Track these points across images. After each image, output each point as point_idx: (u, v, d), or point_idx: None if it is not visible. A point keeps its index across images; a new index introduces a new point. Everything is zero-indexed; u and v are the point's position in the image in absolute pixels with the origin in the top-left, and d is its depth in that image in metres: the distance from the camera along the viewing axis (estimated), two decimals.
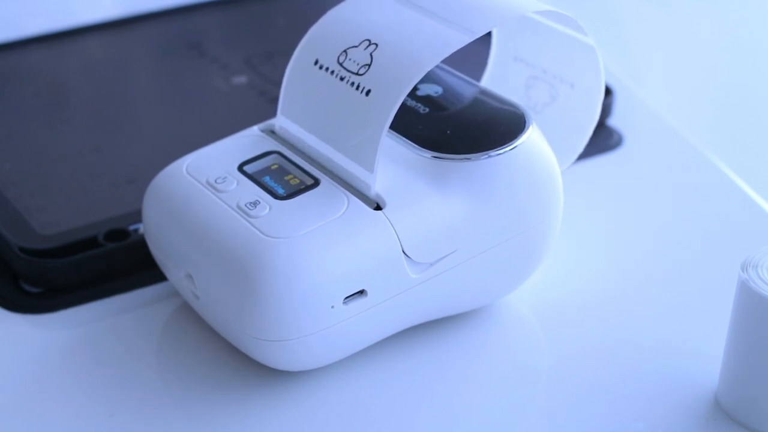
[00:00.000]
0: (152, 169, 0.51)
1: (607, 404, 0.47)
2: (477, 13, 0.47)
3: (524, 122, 0.49)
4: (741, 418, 0.46)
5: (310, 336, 0.45)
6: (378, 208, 0.46)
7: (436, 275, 0.47)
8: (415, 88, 0.51)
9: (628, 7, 0.86)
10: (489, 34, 0.56)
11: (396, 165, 0.47)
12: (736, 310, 0.45)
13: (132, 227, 0.54)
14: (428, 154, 0.48)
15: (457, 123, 0.50)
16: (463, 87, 0.52)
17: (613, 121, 0.65)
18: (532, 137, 0.49)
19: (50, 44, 0.72)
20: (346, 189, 0.47)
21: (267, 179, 0.48)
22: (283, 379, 0.48)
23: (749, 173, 0.61)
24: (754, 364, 0.45)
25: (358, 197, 0.46)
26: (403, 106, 0.45)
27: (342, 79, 0.47)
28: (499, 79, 0.56)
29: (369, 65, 0.46)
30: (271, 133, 0.51)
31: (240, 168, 0.48)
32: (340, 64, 0.47)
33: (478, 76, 0.55)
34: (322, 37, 0.49)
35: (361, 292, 0.45)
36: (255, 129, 0.51)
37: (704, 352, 0.49)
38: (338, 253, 0.45)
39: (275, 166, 0.49)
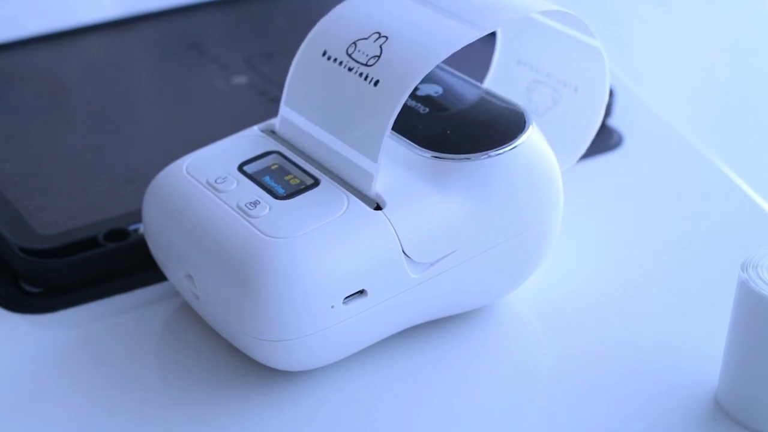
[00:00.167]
0: (152, 169, 0.51)
1: (607, 404, 0.47)
2: (487, 10, 0.47)
3: (524, 122, 0.49)
4: (741, 418, 0.46)
5: (310, 336, 0.45)
6: (378, 208, 0.46)
7: (436, 275, 0.47)
8: (415, 88, 0.51)
9: (628, 7, 0.86)
10: (494, 36, 0.56)
11: (396, 165, 0.47)
12: (736, 310, 0.45)
13: (132, 227, 0.54)
14: (428, 154, 0.48)
15: (457, 123, 0.50)
16: (463, 87, 0.52)
17: (613, 121, 0.65)
18: (532, 137, 0.49)
19: (50, 44, 0.72)
20: (346, 189, 0.47)
21: (267, 179, 0.48)
22: (283, 379, 0.48)
23: (749, 173, 0.61)
24: (754, 364, 0.45)
25: (358, 197, 0.46)
26: (404, 105, 0.45)
27: (350, 69, 0.47)
28: (502, 82, 0.56)
29: (378, 57, 0.46)
30: (271, 133, 0.51)
31: (240, 168, 0.48)
32: (349, 56, 0.47)
33: (480, 78, 0.55)
34: (331, 30, 0.49)
35: (361, 292, 0.45)
36: (255, 129, 0.51)
37: (704, 352, 0.49)
38: (338, 253, 0.45)
39: (275, 166, 0.49)
